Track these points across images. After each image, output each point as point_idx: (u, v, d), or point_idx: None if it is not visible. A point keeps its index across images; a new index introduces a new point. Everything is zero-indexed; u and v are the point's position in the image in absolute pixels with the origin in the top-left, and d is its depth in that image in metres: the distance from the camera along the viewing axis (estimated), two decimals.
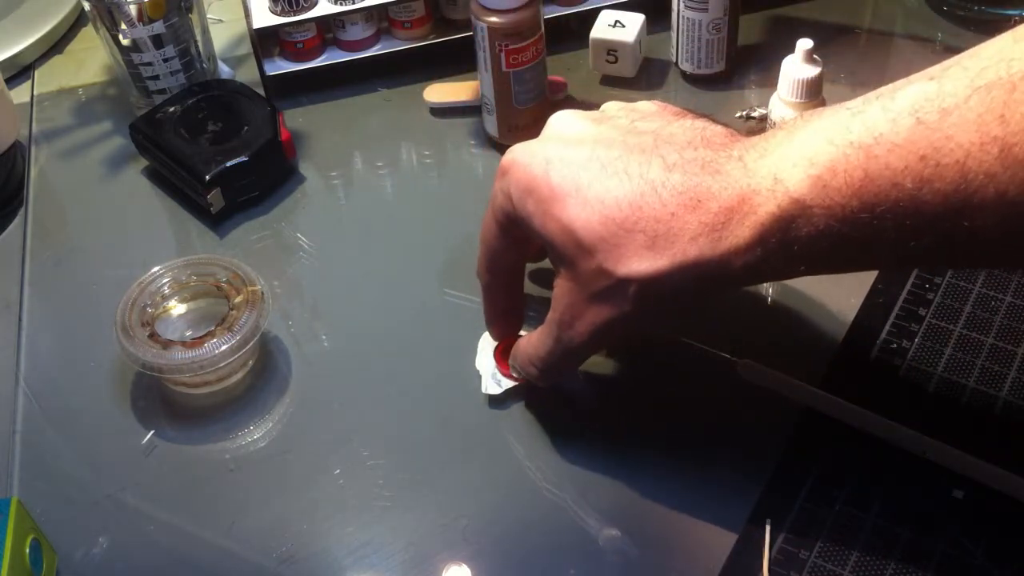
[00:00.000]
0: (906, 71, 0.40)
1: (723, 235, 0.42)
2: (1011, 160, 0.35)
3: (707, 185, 0.42)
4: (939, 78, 0.38)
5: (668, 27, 0.73)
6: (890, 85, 0.40)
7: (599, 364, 0.58)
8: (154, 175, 0.72)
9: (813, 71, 0.61)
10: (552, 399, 0.56)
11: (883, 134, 0.38)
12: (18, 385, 0.61)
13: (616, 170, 0.44)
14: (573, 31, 0.77)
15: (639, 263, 0.43)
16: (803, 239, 0.40)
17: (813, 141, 0.40)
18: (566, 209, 0.45)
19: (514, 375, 0.55)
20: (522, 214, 0.47)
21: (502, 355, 0.56)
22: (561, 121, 0.50)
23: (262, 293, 0.58)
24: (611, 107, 0.51)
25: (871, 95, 0.40)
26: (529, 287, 0.58)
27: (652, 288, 0.44)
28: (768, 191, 0.41)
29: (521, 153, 0.48)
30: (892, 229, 0.38)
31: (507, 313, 0.56)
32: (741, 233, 0.41)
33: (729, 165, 0.43)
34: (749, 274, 0.43)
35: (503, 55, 0.65)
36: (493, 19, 0.64)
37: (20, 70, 0.83)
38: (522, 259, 0.53)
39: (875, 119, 0.39)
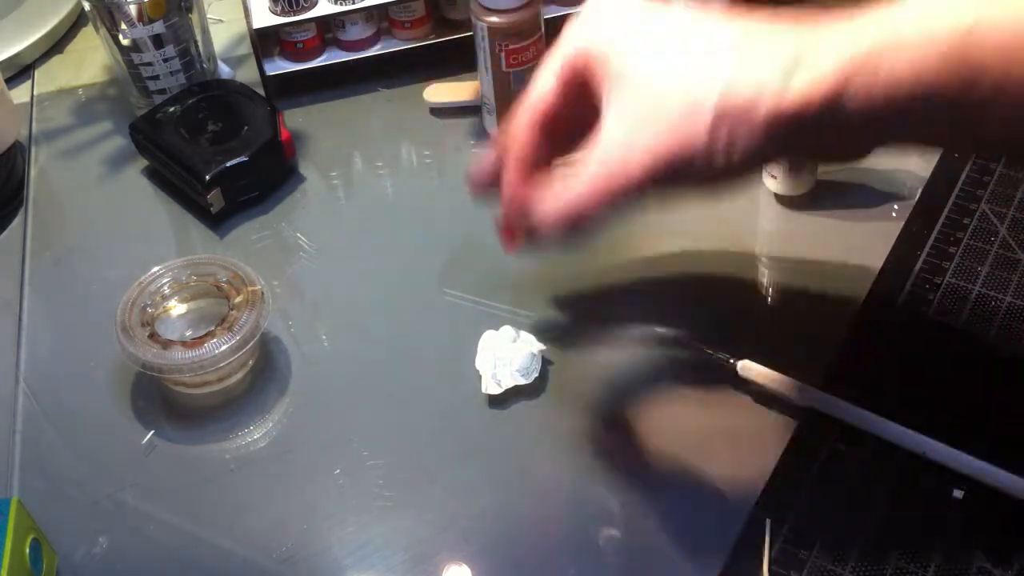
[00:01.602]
0: None
1: (813, 60, 0.40)
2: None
3: (807, 22, 0.41)
4: None
5: None
6: None
7: (599, 363, 0.58)
8: (154, 175, 0.72)
9: None
10: (551, 399, 0.56)
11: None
12: (18, 385, 0.61)
13: (711, 17, 0.43)
14: None
15: (722, 86, 0.41)
16: (894, 78, 0.38)
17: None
18: (655, 35, 0.44)
19: (503, 232, 0.51)
20: (603, 37, 0.45)
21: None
22: None
23: (262, 293, 0.58)
24: None
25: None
26: None
27: (730, 114, 0.41)
28: (864, 21, 0.40)
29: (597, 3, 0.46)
30: (991, 84, 0.37)
31: (534, 180, 0.49)
32: (828, 60, 0.39)
33: (814, 19, 0.41)
34: (827, 116, 0.40)
35: (503, 55, 0.65)
36: (493, 19, 0.64)
37: (20, 70, 0.83)
38: (570, 113, 0.48)
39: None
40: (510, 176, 0.49)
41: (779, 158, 0.43)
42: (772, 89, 0.40)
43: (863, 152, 0.44)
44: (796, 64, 0.40)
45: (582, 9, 0.47)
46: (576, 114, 0.48)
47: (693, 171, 0.43)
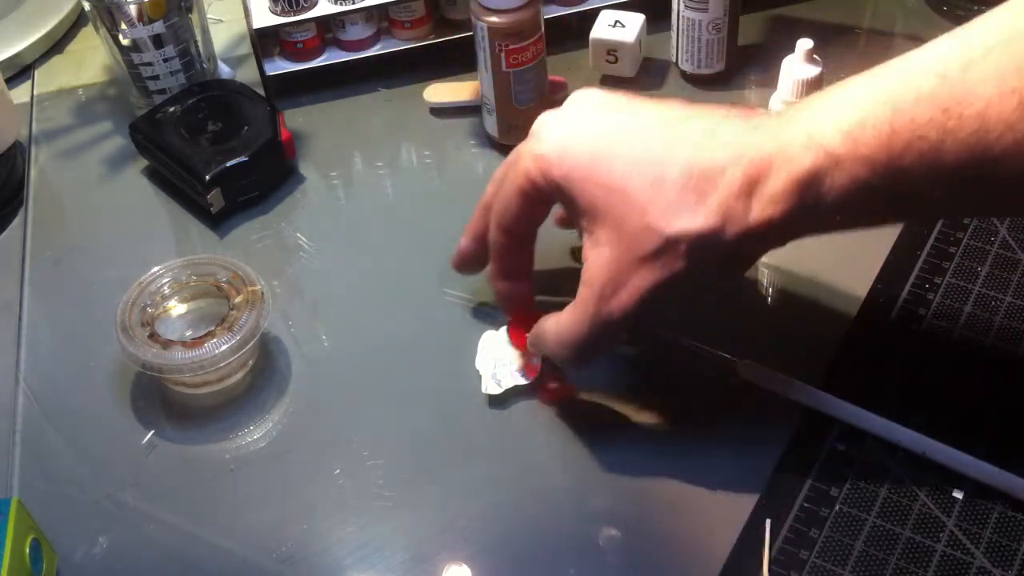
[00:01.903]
0: None
1: (764, 188, 0.43)
2: None
3: (748, 140, 0.44)
4: (959, 37, 0.40)
5: (668, 27, 0.73)
6: (906, 53, 0.42)
7: (599, 363, 0.58)
8: (154, 175, 0.72)
9: (813, 71, 0.62)
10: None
11: (907, 93, 0.40)
12: (18, 385, 0.61)
13: (659, 132, 0.45)
14: (573, 31, 0.77)
15: (691, 219, 0.44)
16: (836, 190, 0.42)
17: (840, 104, 0.42)
18: (612, 170, 0.45)
19: (532, 361, 0.55)
20: (556, 177, 0.47)
21: (516, 333, 0.56)
22: (587, 94, 0.50)
23: (262, 293, 0.58)
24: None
25: (889, 63, 0.42)
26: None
27: (701, 244, 0.44)
28: (803, 146, 0.42)
29: (554, 119, 0.48)
30: (919, 180, 0.40)
31: (518, 275, 0.55)
32: (778, 185, 0.43)
33: (767, 122, 0.44)
34: (788, 226, 0.44)
35: (503, 55, 0.65)
36: (493, 19, 0.64)
37: (20, 70, 0.83)
38: (537, 221, 0.52)
39: (898, 80, 0.41)
40: (494, 280, 0.55)
41: (755, 256, 0.49)
42: (735, 215, 0.43)
43: (834, 230, 0.46)
44: (751, 188, 0.43)
45: (536, 131, 0.49)
46: (541, 218, 0.52)
47: (679, 292, 0.46)
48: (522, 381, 0.56)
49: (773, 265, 0.62)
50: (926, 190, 0.41)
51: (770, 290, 0.61)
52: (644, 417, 0.55)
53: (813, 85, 0.61)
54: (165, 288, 0.60)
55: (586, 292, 0.47)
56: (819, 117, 0.42)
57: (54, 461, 0.57)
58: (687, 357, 0.57)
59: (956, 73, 0.39)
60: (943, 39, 0.41)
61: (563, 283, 0.54)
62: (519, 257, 0.54)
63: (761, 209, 0.43)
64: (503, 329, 0.58)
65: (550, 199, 0.49)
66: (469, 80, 0.73)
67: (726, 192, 0.43)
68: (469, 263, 0.58)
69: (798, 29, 0.74)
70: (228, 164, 0.67)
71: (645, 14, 0.74)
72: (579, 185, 0.46)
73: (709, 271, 0.45)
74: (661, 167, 0.44)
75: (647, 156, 0.45)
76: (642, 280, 0.45)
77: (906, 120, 0.40)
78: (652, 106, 0.48)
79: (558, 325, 0.50)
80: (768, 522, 0.50)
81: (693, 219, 0.43)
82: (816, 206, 0.42)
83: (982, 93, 0.38)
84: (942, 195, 0.41)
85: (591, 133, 0.47)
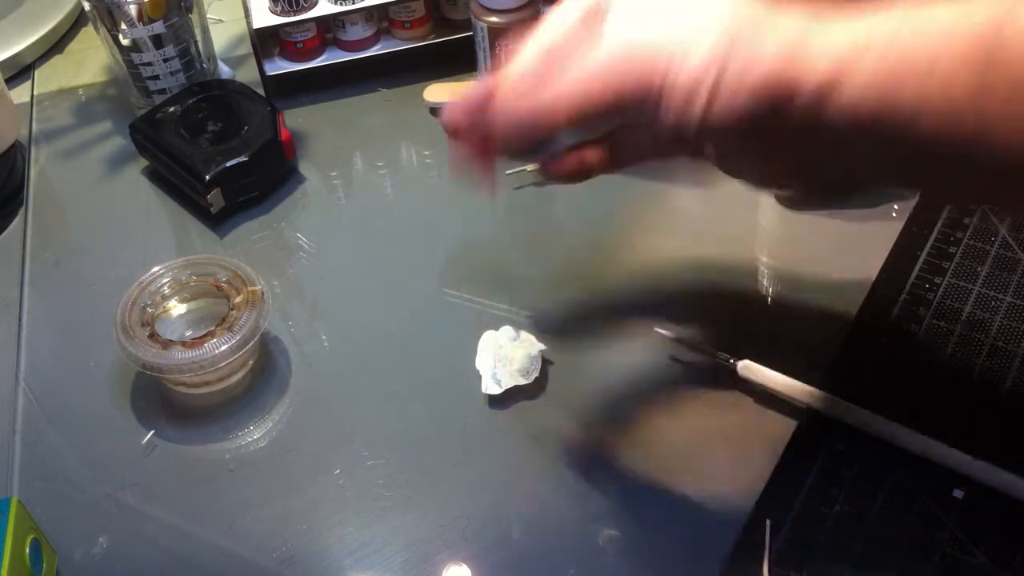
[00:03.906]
0: None
1: (820, 42, 0.38)
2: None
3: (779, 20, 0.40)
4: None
5: None
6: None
7: (599, 363, 0.58)
8: (154, 175, 0.72)
9: None
10: (551, 399, 0.56)
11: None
12: (18, 385, 0.61)
13: None
14: None
15: (685, 47, 0.40)
16: (856, 87, 0.37)
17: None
18: None
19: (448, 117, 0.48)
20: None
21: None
22: None
23: (262, 293, 0.58)
24: None
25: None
26: None
27: (728, 63, 0.39)
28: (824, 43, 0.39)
29: None
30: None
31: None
32: (833, 43, 0.38)
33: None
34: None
35: (503, 55, 0.65)
36: (493, 19, 0.64)
37: (20, 70, 0.83)
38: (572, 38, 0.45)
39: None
40: (506, 91, 0.46)
41: (744, 148, 0.42)
42: (772, 54, 0.39)
43: (842, 178, 0.42)
44: (806, 37, 0.39)
45: None
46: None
47: (655, 114, 0.41)
48: (522, 381, 0.56)
49: (773, 265, 0.62)
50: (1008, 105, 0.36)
51: (770, 290, 0.61)
52: (644, 417, 0.55)
53: None
54: (165, 288, 0.60)
55: (578, 67, 0.43)
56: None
57: (54, 461, 0.57)
58: (687, 357, 0.57)
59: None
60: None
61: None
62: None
63: (806, 61, 0.38)
64: (503, 329, 0.58)
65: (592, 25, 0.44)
66: (469, 80, 0.74)
67: (779, 35, 0.39)
68: (472, 113, 0.48)
69: None
70: (228, 164, 0.67)
71: None
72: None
73: (710, 108, 0.40)
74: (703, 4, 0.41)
75: None
76: (603, 73, 0.41)
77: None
78: None
79: (531, 95, 0.44)
80: (768, 522, 0.50)
81: (725, 35, 0.39)
82: (868, 82, 0.37)
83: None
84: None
85: None
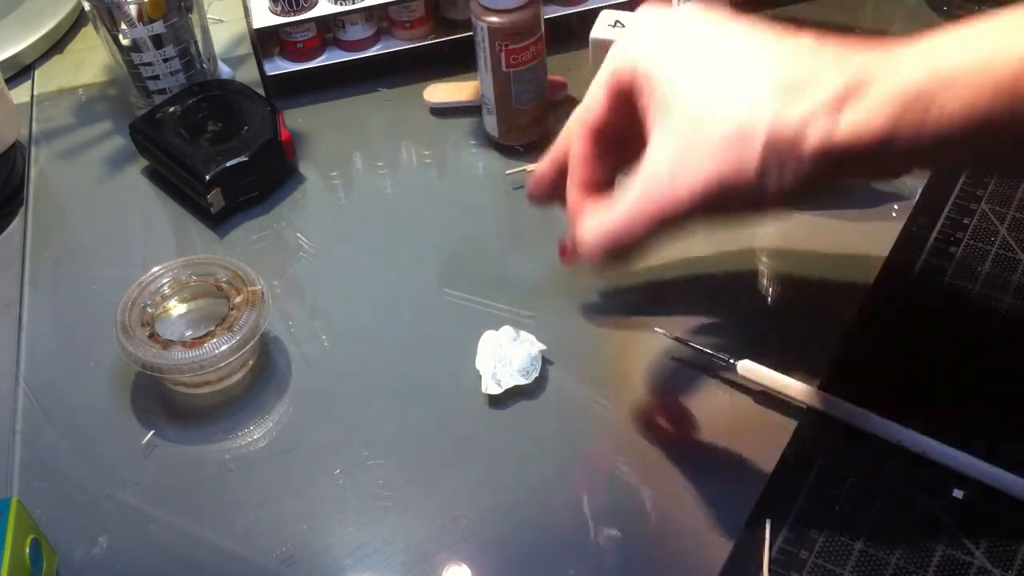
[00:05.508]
0: None
1: (865, 96, 0.40)
2: None
3: (854, 57, 0.41)
4: None
5: None
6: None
7: (599, 363, 0.58)
8: (154, 175, 0.72)
9: None
10: (551, 399, 0.56)
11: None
12: (18, 385, 0.61)
13: (761, 35, 0.43)
14: (573, 31, 0.77)
15: (775, 114, 0.41)
16: (946, 114, 0.39)
17: (966, 34, 0.40)
18: (701, 52, 0.43)
19: (560, 244, 0.52)
20: (641, 59, 0.45)
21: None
22: (681, 5, 0.48)
23: (262, 293, 0.58)
24: None
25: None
26: None
27: (779, 142, 0.40)
28: (915, 56, 0.40)
29: (647, 14, 0.46)
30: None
31: (593, 187, 0.50)
32: (882, 93, 0.40)
33: (876, 48, 0.41)
34: (875, 147, 0.40)
35: (503, 55, 0.65)
36: (493, 19, 0.64)
37: (20, 70, 0.83)
38: (620, 126, 0.48)
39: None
40: (571, 189, 0.50)
41: (826, 185, 0.43)
42: (822, 125, 0.40)
43: (906, 173, 0.44)
44: (847, 97, 0.40)
45: (633, 26, 0.46)
46: (628, 128, 0.48)
47: (739, 199, 0.42)
48: (522, 381, 0.56)
49: (773, 265, 0.62)
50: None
51: (770, 290, 0.61)
52: (644, 417, 0.55)
53: None
54: (165, 288, 0.60)
55: (644, 182, 0.44)
56: (938, 42, 0.39)
57: (54, 461, 0.57)
58: (687, 357, 0.57)
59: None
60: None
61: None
62: (599, 166, 0.50)
63: (853, 120, 0.40)
64: (503, 329, 0.58)
65: (631, 87, 0.46)
66: (469, 80, 0.74)
67: (821, 96, 0.40)
68: (544, 187, 0.53)
69: (798, 29, 0.74)
70: (228, 164, 0.67)
71: None
72: (661, 63, 0.44)
73: (776, 181, 0.41)
74: (756, 61, 0.42)
75: (742, 49, 0.43)
76: (710, 166, 0.42)
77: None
78: (754, 23, 0.45)
79: (608, 209, 0.46)
80: (768, 522, 0.50)
81: (777, 114, 0.40)
82: (916, 133, 0.39)
83: None
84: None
85: (684, 25, 0.45)
